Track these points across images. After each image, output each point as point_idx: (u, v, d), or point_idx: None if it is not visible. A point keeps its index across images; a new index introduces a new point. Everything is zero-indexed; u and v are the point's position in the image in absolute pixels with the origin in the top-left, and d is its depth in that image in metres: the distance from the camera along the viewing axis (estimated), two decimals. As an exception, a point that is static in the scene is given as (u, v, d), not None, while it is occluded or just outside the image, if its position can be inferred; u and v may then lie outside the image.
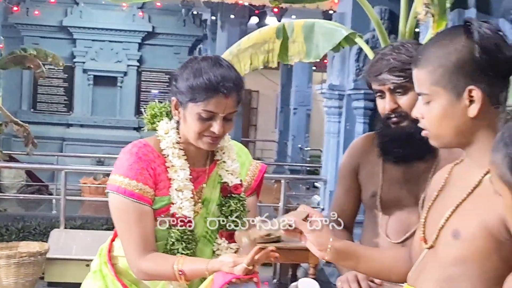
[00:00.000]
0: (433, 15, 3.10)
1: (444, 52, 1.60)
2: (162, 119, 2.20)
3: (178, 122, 2.16)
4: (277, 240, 5.59)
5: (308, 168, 13.55)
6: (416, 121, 2.05)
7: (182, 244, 2.08)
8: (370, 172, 2.31)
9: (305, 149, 14.73)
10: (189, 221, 2.10)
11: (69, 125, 14.04)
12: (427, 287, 1.66)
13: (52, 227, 7.01)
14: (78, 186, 10.60)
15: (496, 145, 1.36)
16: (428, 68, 1.61)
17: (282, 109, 15.96)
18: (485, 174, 1.58)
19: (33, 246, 6.03)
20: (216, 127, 2.05)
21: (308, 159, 14.83)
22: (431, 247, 1.66)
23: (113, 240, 2.27)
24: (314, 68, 15.87)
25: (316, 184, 10.90)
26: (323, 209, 6.49)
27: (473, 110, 1.56)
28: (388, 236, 2.25)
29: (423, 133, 1.70)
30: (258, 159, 17.09)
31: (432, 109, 1.62)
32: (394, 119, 2.15)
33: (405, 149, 2.16)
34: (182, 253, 2.08)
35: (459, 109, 1.58)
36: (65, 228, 6.69)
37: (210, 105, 2.03)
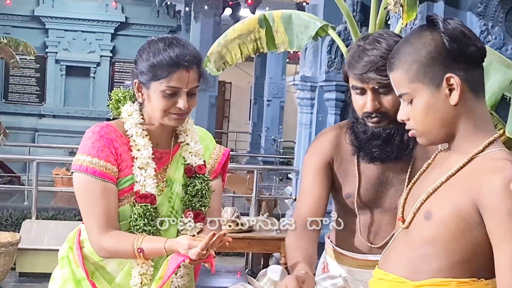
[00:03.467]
0: (403, 6, 3.13)
1: (414, 48, 1.63)
2: (126, 103, 2.23)
3: (141, 105, 2.19)
4: (249, 230, 5.61)
5: (281, 160, 13.62)
6: (395, 121, 1.99)
7: (144, 220, 2.11)
8: (345, 171, 2.22)
9: (279, 140, 14.78)
10: (153, 198, 2.13)
11: (41, 116, 13.95)
12: (396, 268, 1.71)
13: (24, 218, 6.97)
14: (51, 177, 10.53)
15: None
16: (403, 67, 1.65)
17: (256, 101, 15.98)
18: (467, 162, 1.62)
19: (4, 237, 6.00)
20: (181, 102, 2.08)
21: (282, 150, 14.88)
22: (406, 227, 1.71)
23: (82, 224, 2.28)
24: (288, 60, 15.91)
25: (289, 175, 10.97)
26: (295, 200, 6.53)
27: (455, 97, 1.60)
28: (368, 240, 2.22)
29: (410, 134, 1.71)
30: (232, 150, 17.13)
31: (416, 106, 1.65)
32: (375, 119, 2.07)
33: (383, 149, 2.10)
34: (144, 230, 2.10)
35: (441, 100, 1.61)
36: (37, 219, 6.65)
37: (173, 81, 2.06)
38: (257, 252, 6.22)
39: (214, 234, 1.93)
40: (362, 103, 2.09)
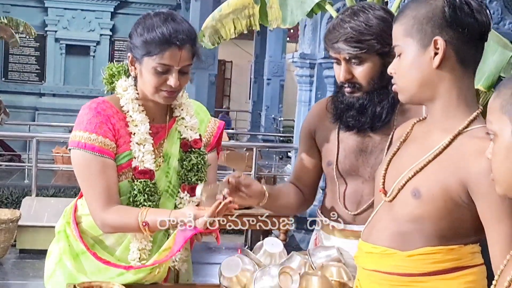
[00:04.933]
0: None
1: (417, 5, 1.65)
2: (121, 78, 2.23)
3: (136, 80, 2.19)
4: (248, 207, 5.65)
5: (281, 138, 13.63)
6: (368, 92, 2.12)
7: (144, 196, 2.11)
8: (326, 139, 2.29)
9: (279, 119, 14.79)
10: (152, 174, 2.14)
11: (41, 95, 13.95)
12: (381, 240, 1.73)
13: (24, 196, 6.99)
14: (51, 156, 10.55)
15: (508, 79, 1.38)
16: (402, 21, 1.67)
17: (255, 80, 15.97)
18: (452, 140, 1.63)
19: (4, 214, 6.03)
20: (172, 80, 2.08)
21: (282, 129, 14.89)
22: (390, 201, 1.72)
23: (78, 199, 2.29)
24: (288, 38, 15.86)
25: (289, 153, 10.99)
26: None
27: (436, 60, 1.61)
28: (345, 207, 2.26)
29: (393, 88, 1.74)
30: (232, 129, 17.14)
31: (402, 60, 1.67)
32: (348, 89, 2.14)
33: (358, 119, 2.16)
34: (144, 205, 2.11)
35: (425, 60, 1.63)
36: (38, 196, 6.68)
37: (164, 58, 2.06)
38: (256, 230, 6.25)
39: (220, 203, 1.95)
40: (338, 72, 2.16)
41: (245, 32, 4.57)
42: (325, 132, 2.29)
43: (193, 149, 2.24)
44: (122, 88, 2.19)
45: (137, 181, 2.12)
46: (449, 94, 1.65)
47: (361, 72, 2.10)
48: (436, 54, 1.61)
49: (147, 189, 2.12)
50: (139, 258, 2.15)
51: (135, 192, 2.11)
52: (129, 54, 2.16)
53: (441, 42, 1.60)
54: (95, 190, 2.09)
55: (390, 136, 2.15)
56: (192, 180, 2.22)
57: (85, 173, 2.11)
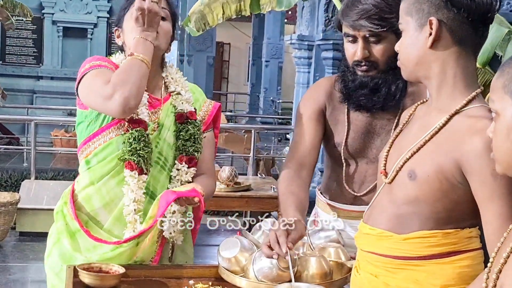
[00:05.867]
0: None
1: None
2: (116, 54, 2.29)
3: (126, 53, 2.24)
4: (247, 188, 5.61)
5: (280, 121, 13.62)
6: (383, 71, 2.10)
7: (140, 144, 2.13)
8: (336, 119, 2.27)
9: (277, 101, 14.78)
10: (145, 125, 2.16)
11: (39, 78, 13.92)
12: (379, 222, 1.75)
13: (23, 179, 7.00)
14: (50, 139, 10.56)
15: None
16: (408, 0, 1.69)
17: (254, 62, 15.94)
18: (448, 120, 1.64)
19: (3, 197, 6.04)
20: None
21: (280, 111, 14.89)
22: (389, 183, 1.73)
23: (76, 180, 2.30)
24: (286, 20, 15.82)
25: (287, 135, 11.00)
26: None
27: (430, 40, 1.63)
28: (351, 188, 2.26)
29: (398, 63, 1.75)
30: (230, 111, 17.11)
31: (403, 38, 1.70)
32: (364, 67, 2.10)
33: (370, 99, 2.14)
34: (139, 155, 2.13)
35: (420, 39, 1.64)
36: (37, 179, 6.70)
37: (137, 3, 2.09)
38: (255, 211, 6.27)
39: None
40: (353, 51, 2.12)
41: (234, 17, 4.53)
42: (335, 112, 2.27)
43: (189, 120, 2.25)
44: (117, 60, 2.24)
45: (132, 130, 2.13)
46: (444, 74, 1.65)
47: (379, 50, 2.09)
48: (430, 34, 1.62)
49: (142, 138, 2.13)
50: (135, 210, 2.15)
51: (130, 140, 2.11)
52: (114, 28, 2.27)
53: (435, 23, 1.60)
54: (97, 82, 2.07)
55: (397, 118, 2.16)
56: (190, 150, 2.23)
57: (89, 81, 2.11)
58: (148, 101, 2.20)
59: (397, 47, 1.74)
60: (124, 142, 2.14)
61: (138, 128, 2.13)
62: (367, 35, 2.07)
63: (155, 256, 2.21)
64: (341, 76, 2.22)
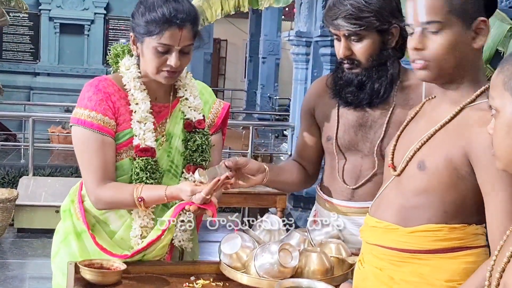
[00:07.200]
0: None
1: None
2: (125, 57, 2.25)
3: (139, 59, 2.20)
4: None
5: (277, 117, 13.61)
6: (367, 69, 2.15)
7: (146, 174, 2.13)
8: (326, 115, 2.33)
9: (275, 98, 14.77)
10: (153, 152, 2.15)
11: (36, 74, 13.85)
12: (388, 216, 1.75)
13: (21, 175, 7.01)
14: (47, 135, 10.53)
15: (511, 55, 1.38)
16: None
17: (251, 58, 15.92)
18: (460, 110, 1.64)
19: (1, 193, 6.04)
20: (172, 60, 2.08)
21: (277, 108, 14.87)
22: (398, 175, 1.74)
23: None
24: (283, 17, 15.80)
25: (285, 132, 10.99)
26: (290, 155, 6.56)
27: (481, 41, 1.61)
28: (344, 181, 2.29)
29: (414, 66, 1.68)
30: (228, 108, 17.07)
31: (441, 38, 1.61)
32: (347, 65, 2.18)
33: (356, 95, 2.20)
34: (146, 183, 2.13)
35: (467, 40, 1.61)
36: (34, 176, 6.69)
37: (164, 38, 2.06)
38: (253, 207, 6.28)
39: (218, 180, 1.97)
40: (338, 49, 2.19)
41: (232, 12, 4.53)
42: (325, 108, 2.33)
43: (197, 130, 2.25)
44: (125, 67, 2.20)
45: (138, 159, 2.13)
46: (473, 73, 1.66)
47: (360, 48, 2.14)
48: (477, 34, 1.60)
49: (149, 166, 2.13)
50: (141, 235, 2.16)
51: (137, 170, 2.13)
52: (131, 33, 2.17)
53: (488, 24, 1.59)
54: (91, 166, 2.12)
55: (390, 112, 2.19)
56: (197, 160, 2.24)
57: (83, 149, 2.14)
58: (154, 112, 2.19)
59: (419, 45, 1.64)
60: (131, 170, 2.16)
61: (144, 158, 2.14)
62: (347, 34, 2.13)
63: (166, 258, 2.24)
64: (333, 73, 2.30)
